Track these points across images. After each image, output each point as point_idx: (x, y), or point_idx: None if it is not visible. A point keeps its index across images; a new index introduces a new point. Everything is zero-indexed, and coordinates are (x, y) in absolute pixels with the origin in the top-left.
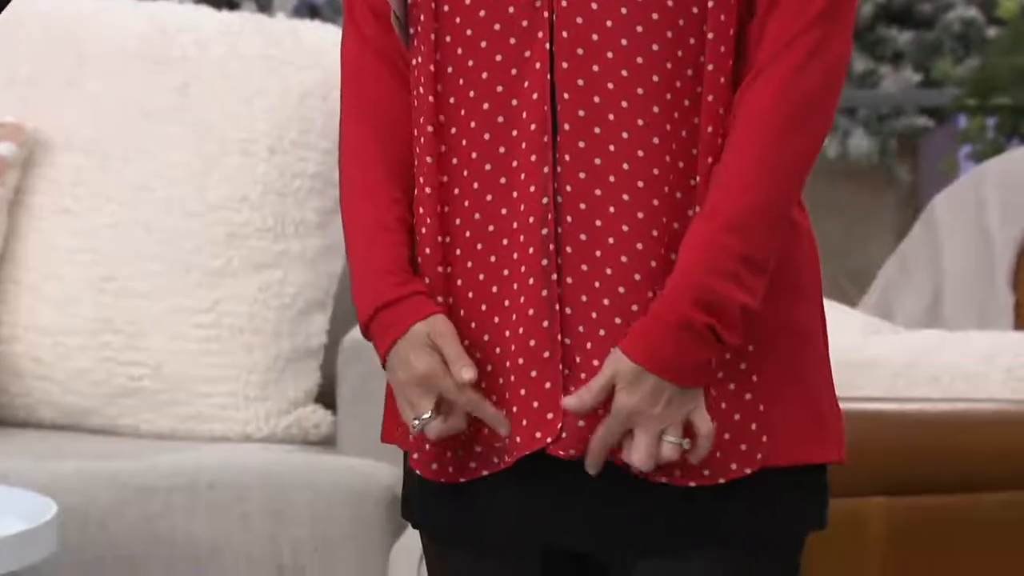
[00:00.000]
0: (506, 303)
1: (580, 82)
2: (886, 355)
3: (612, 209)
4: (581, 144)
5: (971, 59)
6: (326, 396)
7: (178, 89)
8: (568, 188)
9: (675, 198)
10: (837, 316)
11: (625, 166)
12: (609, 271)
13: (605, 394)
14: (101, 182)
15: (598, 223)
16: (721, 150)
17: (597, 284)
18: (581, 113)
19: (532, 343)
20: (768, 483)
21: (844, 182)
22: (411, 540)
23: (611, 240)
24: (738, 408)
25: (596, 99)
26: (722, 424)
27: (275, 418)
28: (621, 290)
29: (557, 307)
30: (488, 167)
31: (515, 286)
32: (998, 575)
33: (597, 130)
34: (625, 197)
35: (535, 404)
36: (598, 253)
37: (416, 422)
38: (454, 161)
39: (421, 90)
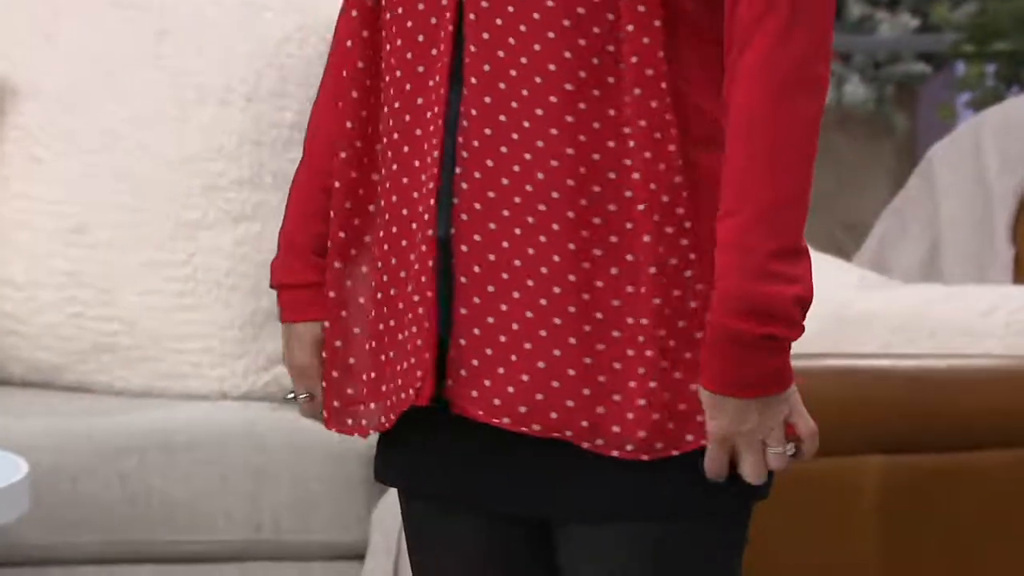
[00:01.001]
0: (402, 273)
1: (485, 35)
2: (882, 310)
3: (516, 168)
4: (487, 99)
5: (970, 3)
6: None
7: (153, 35)
8: (475, 144)
9: (591, 160)
10: (830, 270)
11: (526, 124)
12: (518, 231)
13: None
14: (73, 131)
15: (505, 182)
16: (653, 112)
17: (492, 257)
18: (486, 67)
19: (416, 299)
20: (697, 456)
21: (839, 131)
22: (394, 500)
23: (518, 200)
24: (668, 386)
25: (500, 53)
26: (650, 402)
27: (253, 375)
28: (531, 251)
29: (431, 263)
30: (407, 118)
31: (405, 243)
32: (997, 534)
33: (502, 85)
34: (527, 156)
35: (412, 360)
36: (505, 212)
37: (290, 395)
38: (386, 110)
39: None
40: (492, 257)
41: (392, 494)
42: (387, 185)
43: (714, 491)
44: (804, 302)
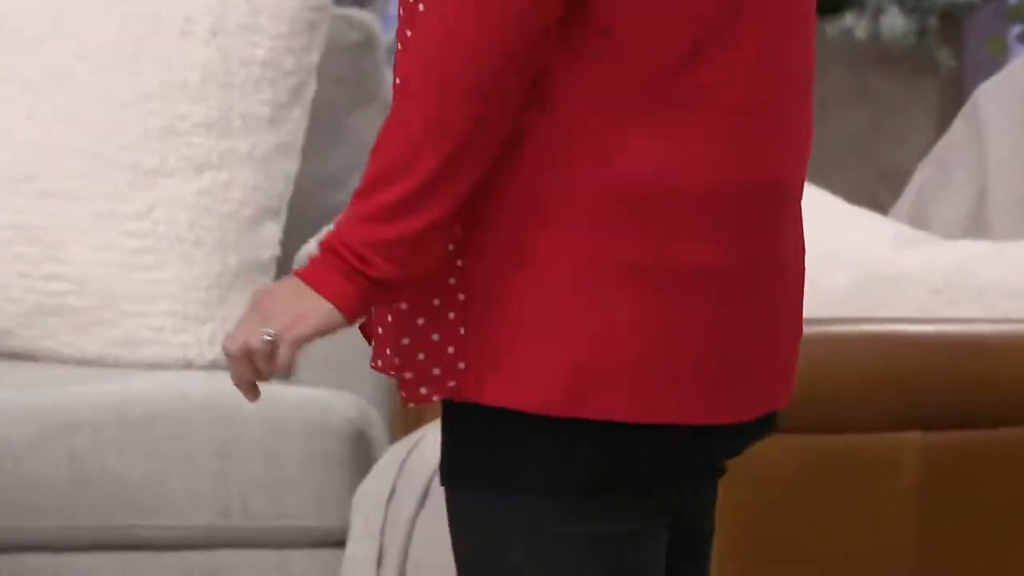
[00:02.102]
0: None
1: None
2: (921, 269)
3: None
4: None
5: None
6: None
7: None
8: None
9: None
10: (863, 224)
11: None
12: None
13: None
14: (15, 66)
15: None
16: None
17: None
18: None
19: None
20: (454, 417)
21: (875, 68)
22: (376, 480)
23: None
24: (438, 327)
25: None
26: (417, 343)
27: (220, 342)
28: None
29: None
30: None
31: None
32: None
33: None
34: None
35: None
36: None
37: None
38: None
39: None
40: None
41: (374, 474)
42: None
43: (453, 459)
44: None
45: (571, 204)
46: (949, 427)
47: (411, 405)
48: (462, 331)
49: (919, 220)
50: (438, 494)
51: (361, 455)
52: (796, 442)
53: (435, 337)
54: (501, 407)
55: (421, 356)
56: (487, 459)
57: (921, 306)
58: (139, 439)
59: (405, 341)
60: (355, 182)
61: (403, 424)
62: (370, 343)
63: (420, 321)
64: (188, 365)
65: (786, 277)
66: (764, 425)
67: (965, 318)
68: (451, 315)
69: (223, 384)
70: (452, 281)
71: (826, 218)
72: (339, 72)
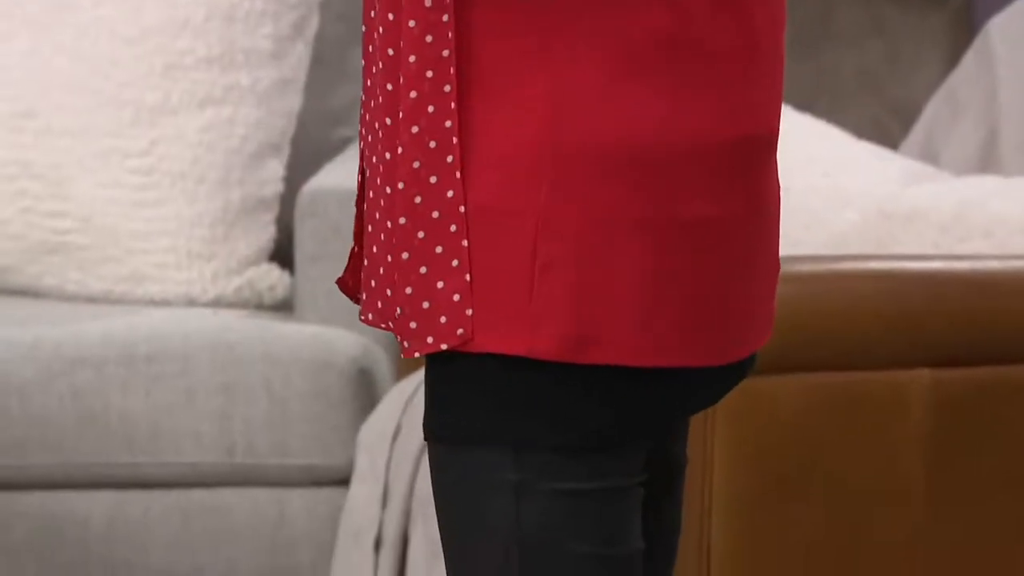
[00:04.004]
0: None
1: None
2: (931, 205)
3: (376, 124)
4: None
5: None
6: (282, 253)
7: None
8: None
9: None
10: (870, 160)
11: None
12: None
13: None
14: (18, 3)
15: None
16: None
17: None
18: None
19: None
20: (444, 370)
21: (887, 1)
22: (381, 418)
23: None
24: (442, 275)
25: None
26: (421, 291)
27: (223, 279)
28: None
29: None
30: None
31: None
32: None
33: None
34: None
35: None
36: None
37: None
38: None
39: None
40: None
41: (379, 412)
42: None
43: (443, 414)
44: None
45: (577, 158)
46: (958, 365)
47: (417, 355)
48: (467, 278)
49: (929, 156)
50: None
51: (364, 394)
52: (803, 381)
53: (440, 285)
54: (502, 356)
55: (426, 305)
56: (482, 413)
57: (930, 243)
58: (142, 377)
59: (408, 291)
60: (357, 119)
61: (407, 362)
62: (352, 299)
63: (423, 270)
64: (191, 302)
65: (771, 222)
66: (749, 364)
67: (974, 255)
68: (455, 263)
69: (226, 322)
70: (454, 228)
71: (836, 155)
72: (342, 7)
